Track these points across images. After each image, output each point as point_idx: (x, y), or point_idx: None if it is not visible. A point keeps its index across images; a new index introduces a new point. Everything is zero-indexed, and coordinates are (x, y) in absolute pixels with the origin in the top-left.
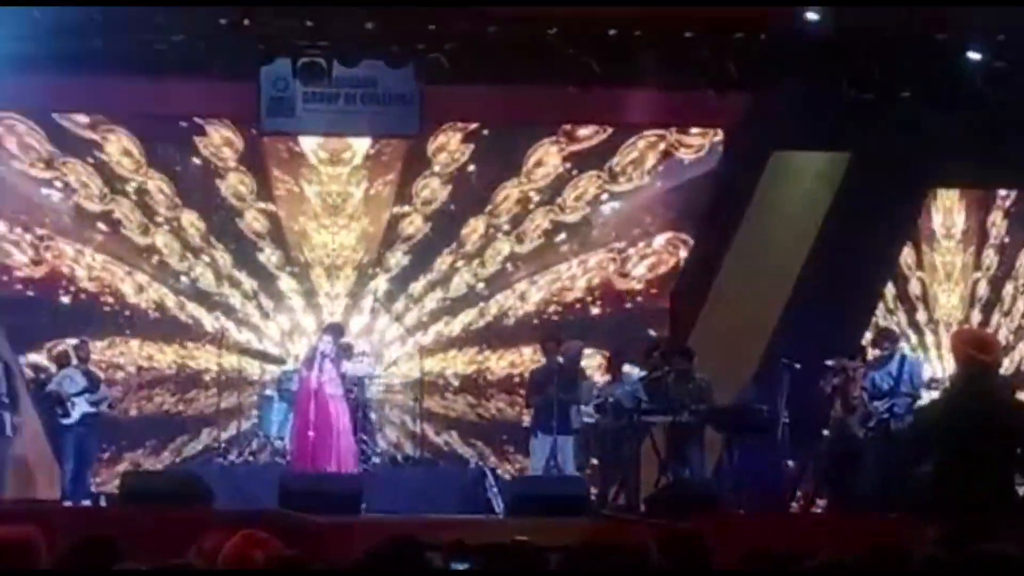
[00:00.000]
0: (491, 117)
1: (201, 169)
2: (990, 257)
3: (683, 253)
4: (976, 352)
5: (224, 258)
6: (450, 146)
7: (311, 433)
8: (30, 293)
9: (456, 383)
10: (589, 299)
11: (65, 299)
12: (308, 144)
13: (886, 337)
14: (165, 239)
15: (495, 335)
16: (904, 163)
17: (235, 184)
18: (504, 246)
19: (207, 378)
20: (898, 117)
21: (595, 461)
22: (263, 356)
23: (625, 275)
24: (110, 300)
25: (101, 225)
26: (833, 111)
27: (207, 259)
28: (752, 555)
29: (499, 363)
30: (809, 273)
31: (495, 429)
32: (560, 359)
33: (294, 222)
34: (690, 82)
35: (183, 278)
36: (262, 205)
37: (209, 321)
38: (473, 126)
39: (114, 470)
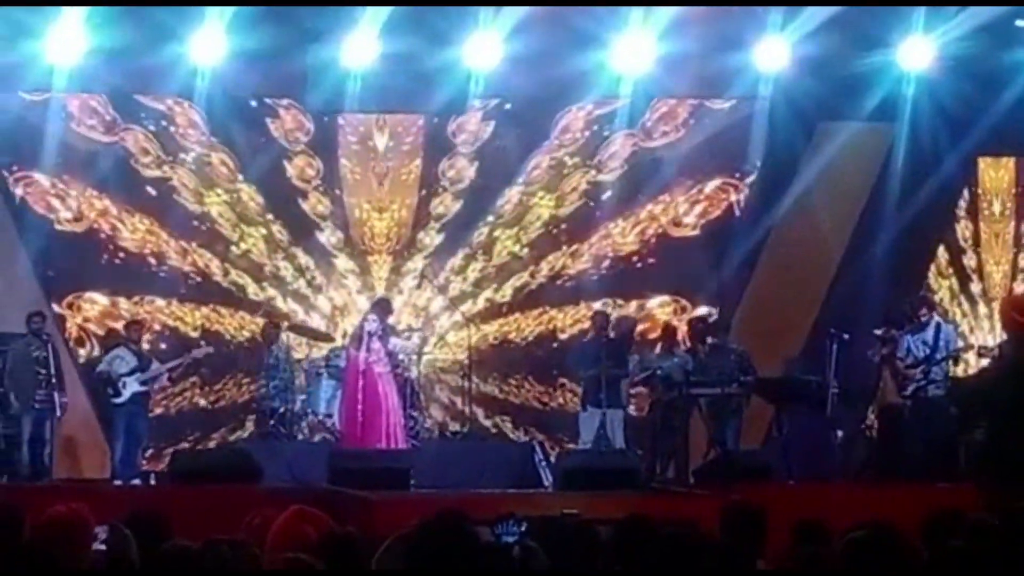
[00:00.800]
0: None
1: (266, 147)
2: None
3: (734, 196)
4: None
5: (282, 233)
6: (470, 125)
7: (360, 411)
8: (68, 246)
9: (524, 348)
10: (644, 251)
11: (104, 256)
12: (378, 135)
13: (923, 304)
14: (220, 209)
15: (552, 294)
16: (951, 133)
17: (302, 166)
18: (543, 211)
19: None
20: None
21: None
22: (311, 333)
23: (678, 224)
24: (151, 261)
25: (152, 190)
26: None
27: (263, 231)
28: (802, 525)
29: (566, 320)
30: (858, 243)
31: (554, 416)
32: (611, 333)
33: (357, 208)
34: None
35: (233, 248)
36: (325, 187)
37: (253, 289)
38: (494, 102)
39: (159, 465)
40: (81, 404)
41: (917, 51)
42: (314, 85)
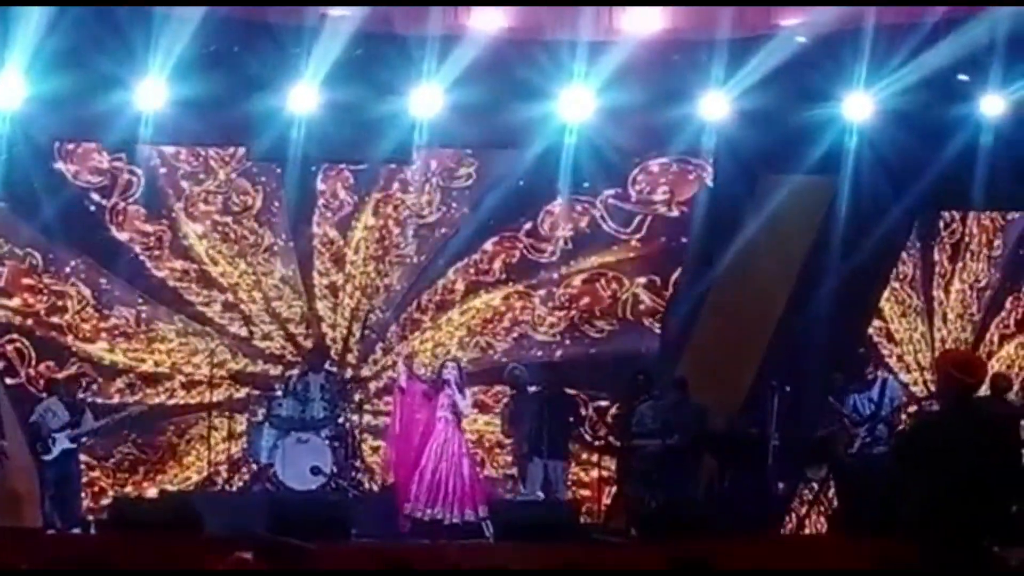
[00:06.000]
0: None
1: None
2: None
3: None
4: (961, 374)
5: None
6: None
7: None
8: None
9: None
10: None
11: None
12: None
13: (867, 361)
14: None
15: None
16: (893, 186)
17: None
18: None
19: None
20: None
21: None
22: (254, 381)
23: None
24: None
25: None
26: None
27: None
28: None
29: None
30: (800, 295)
31: None
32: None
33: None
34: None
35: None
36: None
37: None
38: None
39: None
40: (23, 450)
41: (859, 104)
42: (258, 134)
